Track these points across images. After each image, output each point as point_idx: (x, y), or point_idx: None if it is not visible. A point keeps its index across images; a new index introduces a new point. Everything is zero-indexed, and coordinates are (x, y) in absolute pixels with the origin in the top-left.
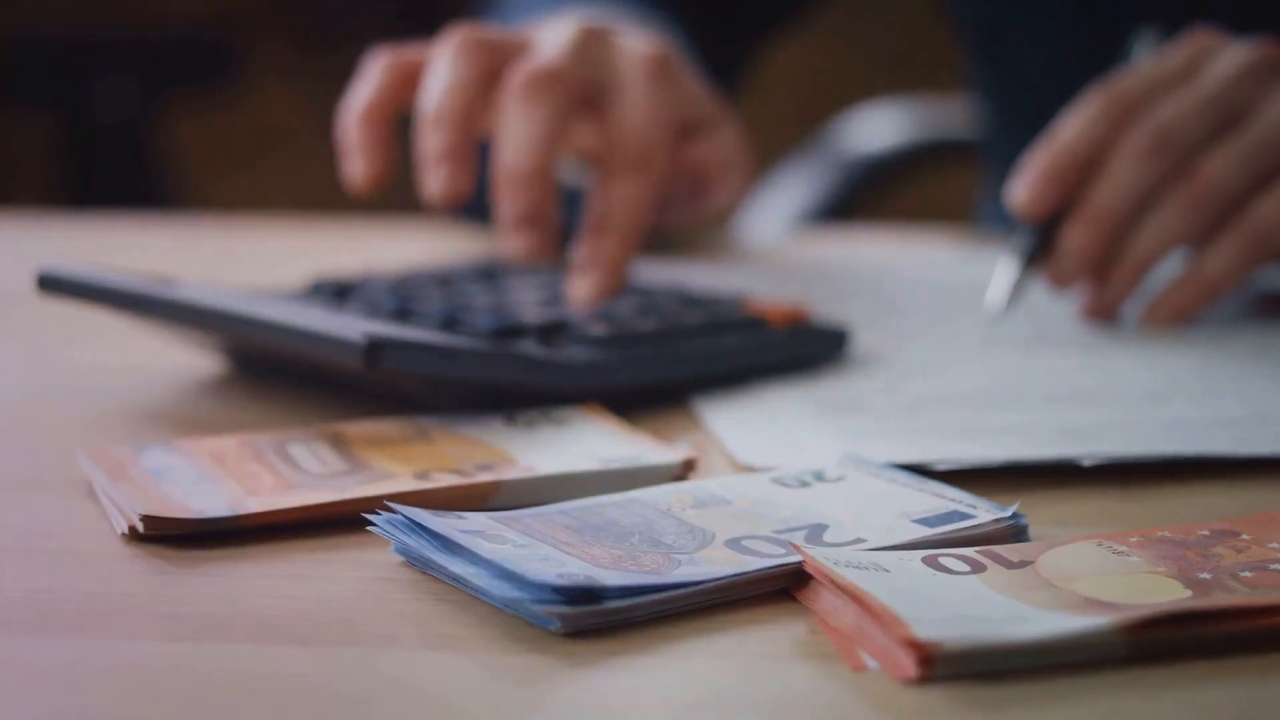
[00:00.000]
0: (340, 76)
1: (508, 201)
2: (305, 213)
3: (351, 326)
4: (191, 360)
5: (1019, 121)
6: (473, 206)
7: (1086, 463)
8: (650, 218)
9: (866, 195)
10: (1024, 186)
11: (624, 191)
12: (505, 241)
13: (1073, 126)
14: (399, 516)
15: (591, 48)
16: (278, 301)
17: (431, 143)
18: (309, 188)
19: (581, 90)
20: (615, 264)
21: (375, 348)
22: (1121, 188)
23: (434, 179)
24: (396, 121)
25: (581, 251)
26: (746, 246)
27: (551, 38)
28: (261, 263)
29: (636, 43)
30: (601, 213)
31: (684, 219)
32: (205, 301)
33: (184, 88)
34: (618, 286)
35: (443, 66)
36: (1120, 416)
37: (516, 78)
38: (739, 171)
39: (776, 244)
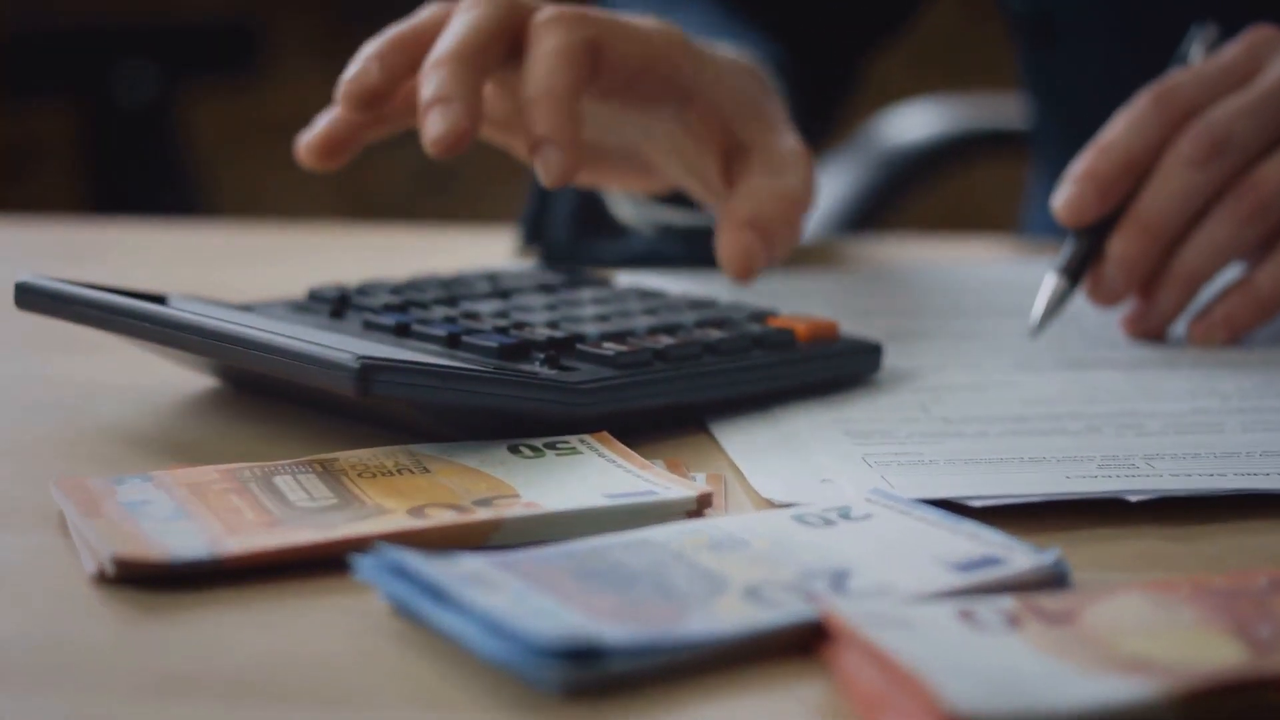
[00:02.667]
0: None
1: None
2: (329, 201)
3: (343, 348)
4: (182, 378)
5: (1070, 123)
6: (541, 235)
7: (1134, 499)
8: (579, 76)
9: (907, 189)
10: (1068, 191)
11: (536, 52)
12: (536, 163)
13: (1122, 128)
14: (387, 560)
15: None
16: (266, 318)
17: (426, 87)
18: (335, 175)
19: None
20: (552, 130)
21: (368, 372)
22: (1172, 195)
23: (429, 124)
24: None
25: (525, 137)
26: None
27: None
28: (275, 267)
29: None
30: (525, 86)
31: (786, 251)
32: (188, 319)
33: (209, 73)
34: (570, 158)
35: (459, 15)
36: (1169, 445)
37: (537, 17)
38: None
39: (808, 247)
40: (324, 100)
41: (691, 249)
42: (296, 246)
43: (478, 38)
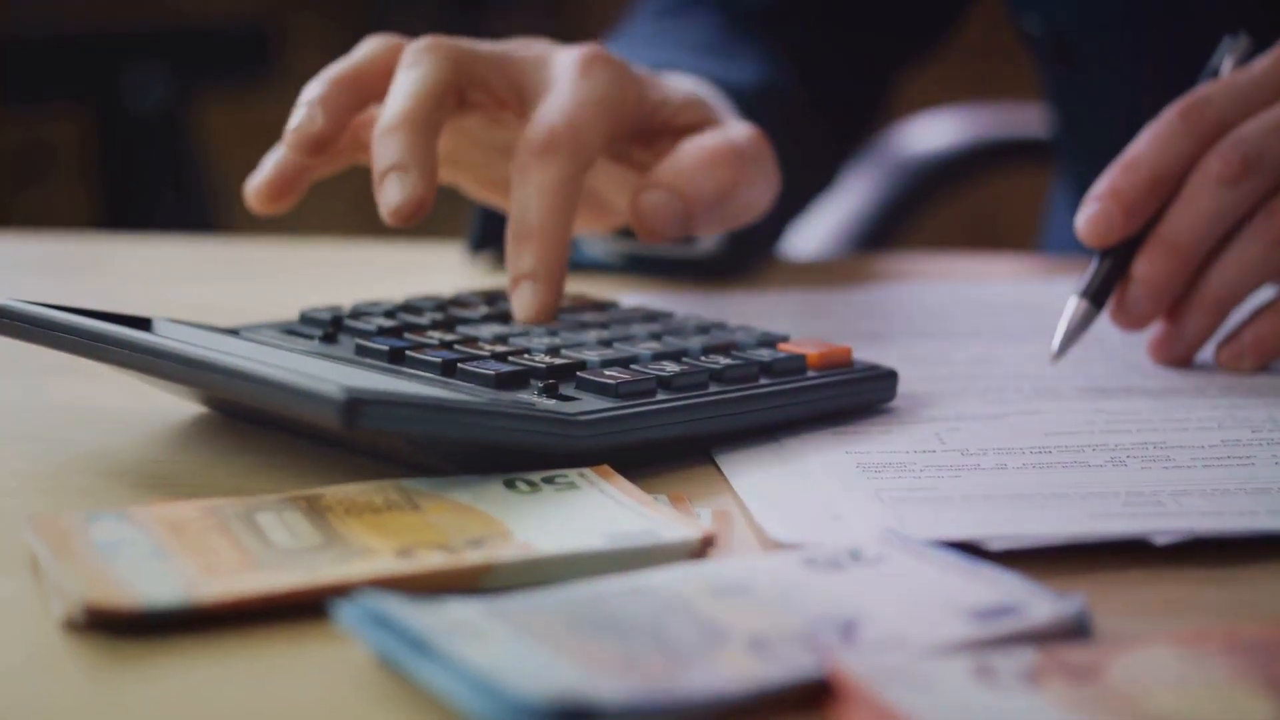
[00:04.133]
0: None
1: (514, 253)
2: (343, 206)
3: (329, 378)
4: (169, 404)
5: (1092, 140)
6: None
7: (1160, 542)
8: (572, 210)
9: (927, 201)
10: (1092, 210)
11: (529, 184)
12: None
13: (1148, 144)
14: (369, 609)
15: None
16: (252, 343)
17: (382, 154)
18: (350, 182)
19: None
20: (542, 270)
21: (354, 406)
22: (1201, 215)
23: (386, 192)
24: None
25: (507, 267)
26: (790, 266)
27: (562, 78)
28: (274, 284)
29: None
30: (515, 218)
31: (715, 225)
32: (168, 347)
33: (221, 77)
34: (551, 297)
35: (405, 72)
36: (1198, 480)
37: (530, 138)
38: (760, 168)
39: (822, 263)
40: None
41: (664, 270)
42: (297, 262)
43: (427, 100)
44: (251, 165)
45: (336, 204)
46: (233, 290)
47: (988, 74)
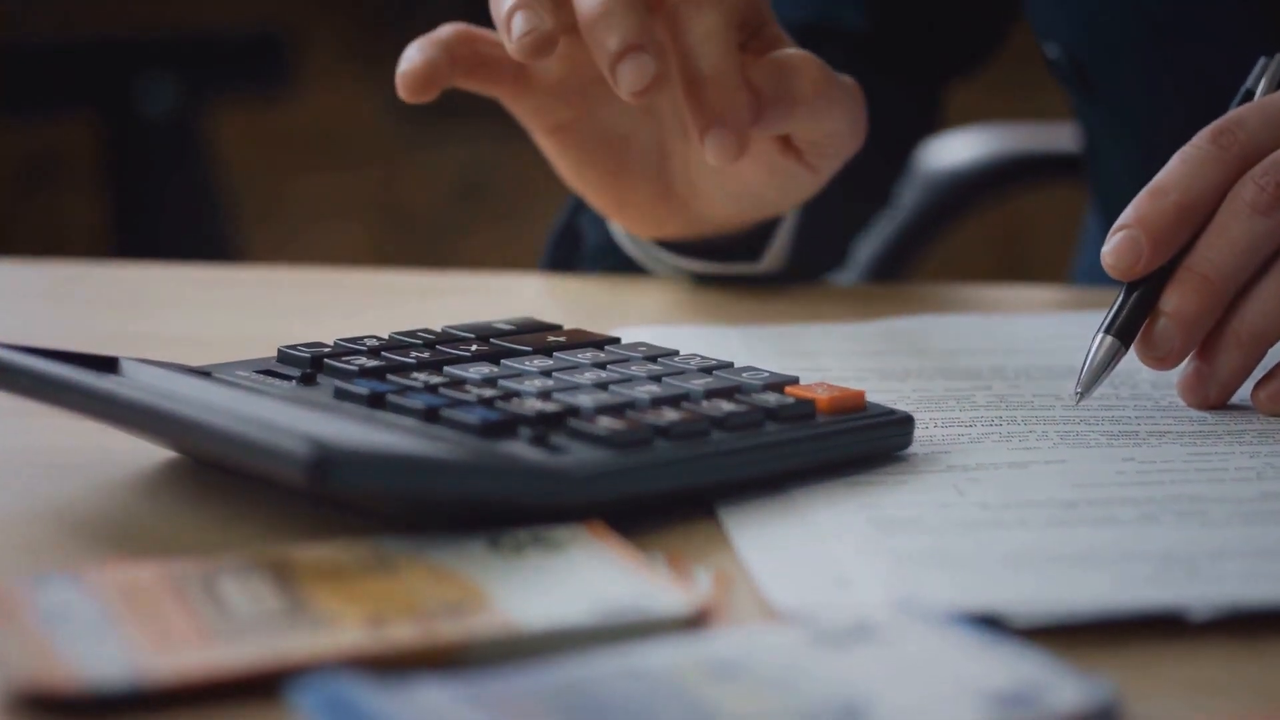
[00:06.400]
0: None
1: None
2: (358, 209)
3: (296, 431)
4: (139, 449)
5: (1118, 167)
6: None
7: (1196, 617)
8: (736, 49)
9: (953, 218)
10: (1117, 240)
11: (689, 34)
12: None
13: (1177, 170)
14: (330, 694)
15: None
16: (223, 387)
17: (610, 36)
18: (364, 184)
19: None
20: (727, 113)
21: (322, 464)
22: (1233, 244)
23: (626, 74)
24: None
25: (692, 118)
26: (801, 294)
27: None
28: (266, 312)
29: None
30: (684, 68)
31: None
32: (127, 396)
33: (234, 84)
34: (742, 136)
35: None
36: (1235, 540)
37: None
38: (849, 102)
39: (833, 290)
40: (350, 110)
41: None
42: (292, 288)
43: None
44: (265, 172)
45: (353, 199)
46: (223, 318)
47: (1026, 91)
